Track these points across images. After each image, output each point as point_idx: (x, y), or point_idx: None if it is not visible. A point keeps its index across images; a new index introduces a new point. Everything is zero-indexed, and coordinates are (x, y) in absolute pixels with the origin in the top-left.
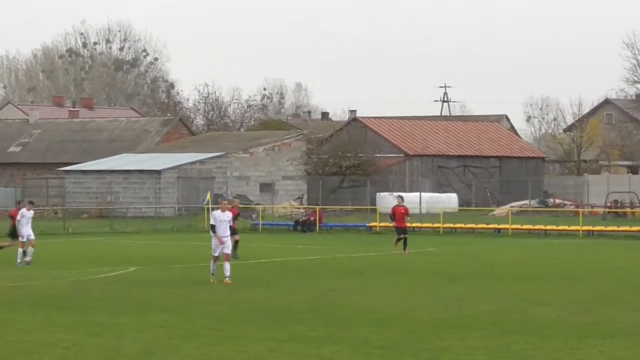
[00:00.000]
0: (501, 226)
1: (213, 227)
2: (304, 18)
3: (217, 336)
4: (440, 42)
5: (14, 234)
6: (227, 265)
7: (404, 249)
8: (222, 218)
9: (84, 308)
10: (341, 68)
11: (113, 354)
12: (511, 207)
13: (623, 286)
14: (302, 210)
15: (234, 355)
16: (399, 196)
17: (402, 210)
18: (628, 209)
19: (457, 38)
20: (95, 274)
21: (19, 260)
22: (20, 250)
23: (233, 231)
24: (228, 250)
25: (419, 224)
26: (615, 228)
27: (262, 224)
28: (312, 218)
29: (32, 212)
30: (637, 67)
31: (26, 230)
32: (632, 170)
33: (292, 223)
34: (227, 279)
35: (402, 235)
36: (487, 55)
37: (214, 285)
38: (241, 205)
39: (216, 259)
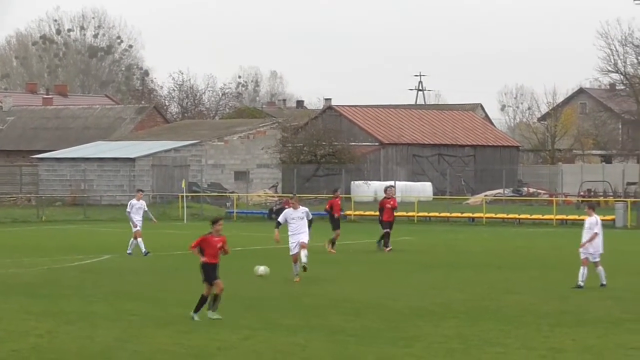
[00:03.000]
0: (475, 215)
1: (279, 224)
2: (279, 7)
3: (191, 324)
4: (416, 32)
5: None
6: (303, 253)
7: (387, 246)
8: (293, 216)
9: (58, 296)
10: (316, 56)
11: (87, 342)
12: (485, 196)
13: (595, 275)
14: (277, 199)
15: (208, 343)
16: (390, 187)
17: (392, 203)
18: (601, 198)
19: (433, 27)
20: (69, 261)
21: (129, 251)
22: (133, 240)
23: (336, 224)
24: (305, 238)
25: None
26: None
27: (237, 213)
28: (286, 206)
29: (142, 202)
30: (611, 57)
31: (137, 219)
32: (606, 159)
33: (267, 211)
34: (300, 269)
35: (387, 230)
36: (462, 45)
37: (187, 273)
38: (216, 193)
39: (295, 258)
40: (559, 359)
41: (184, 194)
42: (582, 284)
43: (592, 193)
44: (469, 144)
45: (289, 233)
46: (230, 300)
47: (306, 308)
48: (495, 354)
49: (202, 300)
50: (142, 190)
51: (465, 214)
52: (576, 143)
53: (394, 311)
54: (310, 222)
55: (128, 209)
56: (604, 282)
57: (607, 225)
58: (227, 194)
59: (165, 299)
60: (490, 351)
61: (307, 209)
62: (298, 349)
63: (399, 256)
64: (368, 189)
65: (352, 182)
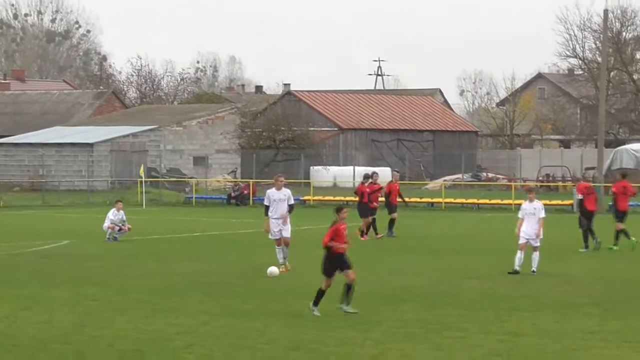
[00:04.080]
0: (434, 200)
1: (267, 208)
2: None
3: (150, 309)
4: (375, 16)
5: None
6: (285, 251)
7: (377, 233)
8: (276, 197)
9: (16, 281)
10: (275, 42)
11: (45, 327)
12: (444, 181)
13: (553, 260)
14: (235, 184)
15: (167, 328)
16: (397, 171)
17: (397, 187)
18: (560, 183)
19: (392, 12)
20: (27, 247)
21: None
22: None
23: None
24: (287, 233)
25: (353, 198)
26: (547, 202)
27: (196, 198)
28: (245, 192)
29: (122, 213)
30: (570, 42)
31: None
32: (564, 144)
33: (226, 196)
34: (281, 266)
35: (373, 217)
36: (421, 29)
37: (146, 259)
38: (174, 179)
39: (279, 242)
40: (518, 343)
41: (142, 179)
42: (519, 268)
43: (551, 178)
44: (428, 129)
45: (270, 214)
46: (189, 286)
47: (266, 293)
48: (454, 338)
49: (320, 294)
50: (121, 201)
51: (424, 199)
52: (535, 128)
53: (356, 295)
54: (291, 207)
55: (107, 224)
56: (536, 269)
57: (565, 210)
58: (186, 179)
59: (125, 284)
60: (449, 335)
61: (289, 192)
62: (257, 334)
63: (358, 241)
64: (327, 174)
65: (311, 167)
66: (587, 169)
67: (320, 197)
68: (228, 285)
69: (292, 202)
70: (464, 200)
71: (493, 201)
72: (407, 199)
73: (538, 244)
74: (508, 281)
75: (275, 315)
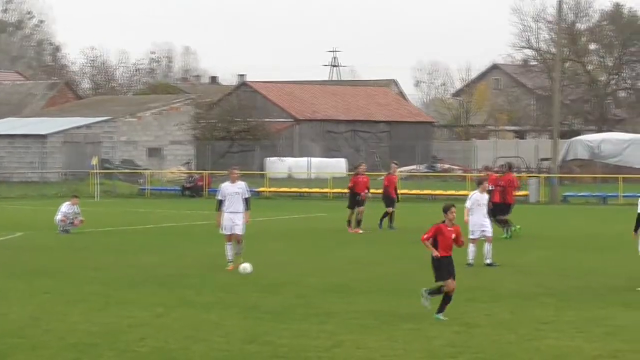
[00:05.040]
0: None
1: (220, 202)
2: None
3: (104, 302)
4: (330, 6)
5: None
6: (236, 248)
7: (391, 223)
8: (230, 190)
9: None
10: (230, 32)
11: (1, 319)
12: (400, 172)
13: (509, 250)
14: (190, 175)
15: (120, 320)
16: (396, 163)
17: (396, 180)
18: (515, 174)
19: (347, 2)
20: None
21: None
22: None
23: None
24: (239, 230)
25: (308, 189)
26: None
27: (150, 189)
28: (200, 183)
29: (76, 207)
30: (524, 33)
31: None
32: (519, 135)
33: (180, 188)
34: (230, 264)
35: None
36: (376, 20)
37: (100, 251)
38: (128, 170)
39: (229, 238)
40: (474, 334)
41: (96, 171)
42: (473, 261)
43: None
44: (384, 119)
45: (223, 209)
46: (144, 278)
47: (221, 285)
48: (409, 330)
49: (447, 299)
50: (77, 196)
51: (379, 190)
52: (490, 119)
53: (309, 288)
54: (247, 201)
55: (60, 216)
56: (491, 261)
57: (520, 201)
58: (140, 171)
59: (78, 276)
60: (404, 327)
61: (245, 184)
62: (212, 326)
63: (313, 233)
64: (282, 166)
65: (266, 158)
66: (542, 159)
67: (275, 189)
68: (183, 277)
69: (247, 195)
70: (419, 192)
71: (448, 192)
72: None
73: (491, 234)
74: (464, 272)
75: (230, 307)
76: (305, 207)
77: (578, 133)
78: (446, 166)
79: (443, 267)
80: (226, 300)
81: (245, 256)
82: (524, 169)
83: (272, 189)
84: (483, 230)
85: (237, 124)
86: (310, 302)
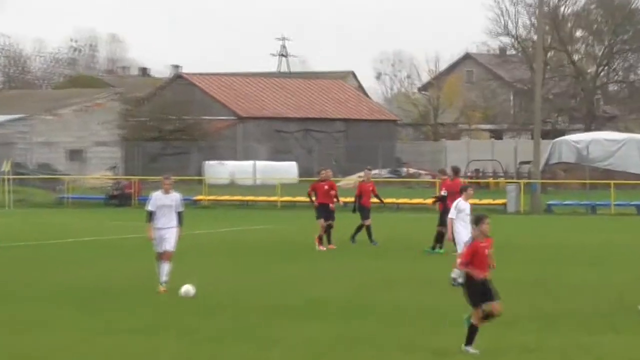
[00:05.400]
0: (348, 199)
1: (151, 214)
2: None
3: (20, 325)
4: None
5: None
6: (166, 268)
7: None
8: (164, 202)
9: None
10: (163, 17)
11: None
12: (359, 177)
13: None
14: (117, 182)
15: (40, 346)
16: (369, 168)
17: (370, 188)
18: (491, 179)
19: None
20: None
21: None
22: None
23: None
24: (170, 246)
25: (253, 197)
26: (477, 201)
27: (71, 198)
28: (128, 190)
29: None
30: (501, 18)
31: None
32: (496, 135)
33: (105, 196)
34: (162, 285)
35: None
36: (331, 5)
37: (17, 268)
38: (45, 176)
39: (160, 256)
40: None
41: (8, 177)
42: (461, 280)
43: (481, 174)
44: (340, 117)
45: (153, 223)
46: (65, 299)
47: (154, 307)
48: (368, 357)
49: (473, 330)
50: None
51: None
52: (462, 116)
53: (253, 309)
54: (180, 215)
55: None
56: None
57: (497, 210)
58: (59, 177)
59: None
60: (362, 355)
61: (179, 197)
62: (143, 353)
63: (258, 247)
64: (223, 170)
65: (205, 162)
66: (522, 163)
67: (215, 197)
68: (110, 297)
69: (181, 209)
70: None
71: (415, 200)
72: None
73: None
74: (434, 290)
75: (164, 331)
76: (249, 217)
77: (563, 133)
78: (412, 170)
79: (485, 290)
80: (159, 323)
81: (180, 274)
82: (501, 174)
83: (211, 197)
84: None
85: (171, 122)
86: (254, 325)
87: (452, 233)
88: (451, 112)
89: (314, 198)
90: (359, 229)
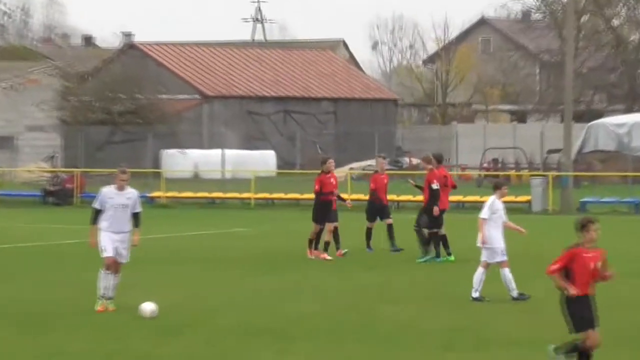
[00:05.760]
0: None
1: (97, 213)
2: None
3: None
4: None
5: None
6: (113, 281)
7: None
8: (117, 201)
9: None
10: None
11: None
12: (351, 169)
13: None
14: (55, 175)
15: None
16: (382, 156)
17: (385, 180)
18: (512, 172)
19: None
20: None
21: None
22: None
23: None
24: (123, 256)
25: (221, 194)
26: None
27: None
28: (68, 185)
29: None
30: None
31: None
32: (518, 117)
33: (41, 193)
34: (108, 302)
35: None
36: None
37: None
38: None
39: (109, 265)
40: None
41: None
42: (478, 295)
43: (500, 165)
44: (328, 96)
45: (102, 225)
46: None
47: (102, 327)
48: None
49: (575, 347)
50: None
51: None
52: (476, 95)
53: (224, 330)
54: (137, 216)
55: None
56: (515, 294)
57: (520, 210)
58: None
59: None
60: None
61: (137, 194)
62: None
63: (228, 254)
64: (185, 161)
65: (163, 150)
66: (550, 151)
67: (175, 193)
68: (49, 317)
69: (138, 209)
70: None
71: (419, 197)
72: (299, 195)
73: (504, 258)
74: (439, 308)
75: (113, 356)
76: (217, 219)
77: (600, 115)
78: (416, 161)
79: (583, 312)
80: (109, 347)
81: (134, 285)
82: (524, 165)
83: (170, 194)
84: (503, 252)
85: (121, 102)
86: (225, 349)
87: (483, 237)
88: (463, 89)
89: (346, 195)
90: (368, 233)
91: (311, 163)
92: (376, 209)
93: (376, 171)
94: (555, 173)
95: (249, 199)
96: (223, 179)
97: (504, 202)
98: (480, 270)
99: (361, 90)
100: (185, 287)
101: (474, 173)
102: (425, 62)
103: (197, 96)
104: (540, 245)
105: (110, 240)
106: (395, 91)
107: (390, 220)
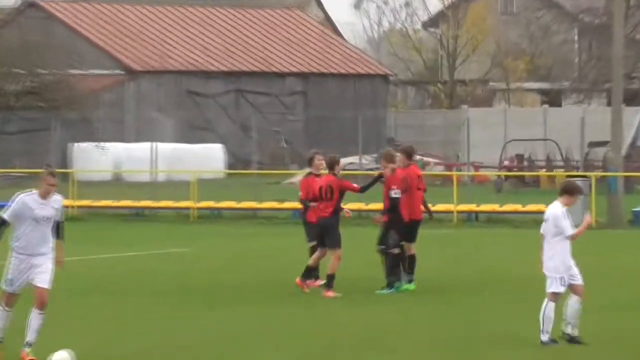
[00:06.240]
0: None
1: (3, 225)
2: None
3: None
4: None
5: None
6: (36, 320)
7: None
8: (39, 213)
9: None
10: None
11: None
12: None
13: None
14: None
15: None
16: (396, 143)
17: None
18: (542, 171)
19: None
20: None
21: None
22: None
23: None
24: (45, 282)
25: (152, 203)
26: (519, 207)
27: None
28: None
29: None
30: None
31: None
32: (550, 99)
33: None
34: (26, 348)
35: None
36: None
37: None
38: None
39: (9, 298)
40: None
41: None
42: (548, 337)
43: (526, 162)
44: (295, 71)
45: (15, 244)
46: None
47: None
48: None
49: None
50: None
51: (285, 204)
52: (495, 69)
53: None
54: (60, 229)
55: None
56: (572, 332)
57: None
58: None
59: None
60: None
61: (61, 201)
62: None
63: (159, 282)
64: (103, 158)
65: (73, 144)
66: (593, 144)
67: (90, 202)
68: None
69: (62, 218)
70: (362, 206)
71: None
72: (256, 203)
73: (582, 282)
74: (445, 351)
75: None
76: (146, 235)
77: None
78: (415, 157)
79: None
80: None
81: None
82: (558, 162)
83: (83, 202)
84: (571, 275)
85: (18, 79)
86: None
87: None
88: (477, 62)
89: (313, 204)
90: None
91: (273, 160)
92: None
93: (393, 170)
94: (600, 173)
95: (189, 208)
96: (154, 183)
97: (520, 211)
98: (550, 304)
99: (340, 63)
100: (99, 329)
101: (491, 173)
102: (426, 25)
103: (119, 71)
104: (587, 264)
105: (19, 270)
106: (385, 64)
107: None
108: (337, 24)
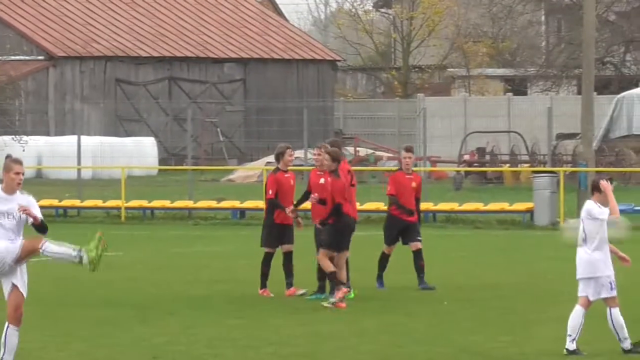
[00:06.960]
0: (246, 205)
1: None
2: None
3: None
4: None
5: None
6: (12, 336)
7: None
8: (2, 206)
9: None
10: None
11: None
12: (267, 164)
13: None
14: None
15: None
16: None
17: (415, 182)
18: (506, 167)
19: None
20: None
21: None
22: None
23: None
24: (23, 286)
25: (76, 202)
26: (480, 207)
27: None
28: None
29: None
30: None
31: None
32: (515, 86)
33: None
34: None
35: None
36: None
37: None
38: None
39: None
40: None
41: None
42: (574, 345)
43: (488, 156)
44: (233, 56)
45: None
46: None
47: None
48: None
49: None
50: None
51: (223, 204)
52: (454, 54)
53: None
54: (43, 229)
55: None
56: (627, 346)
57: (517, 223)
58: None
59: None
60: None
61: (32, 200)
62: None
63: (81, 293)
64: (22, 153)
65: None
66: (561, 136)
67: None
68: None
69: (39, 214)
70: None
71: (366, 206)
72: (191, 203)
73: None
74: None
75: None
76: (70, 238)
77: (636, 83)
78: (366, 152)
79: None
80: None
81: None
82: (523, 156)
83: None
84: (610, 280)
85: None
86: None
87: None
88: (435, 45)
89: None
90: (383, 261)
91: (210, 154)
92: (398, 226)
93: (399, 169)
94: (569, 169)
95: (118, 208)
96: (78, 180)
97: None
98: (579, 310)
99: (283, 47)
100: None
101: (450, 169)
102: (377, 5)
103: (39, 57)
104: (547, 279)
105: None
106: (333, 48)
107: (419, 245)
108: (279, 4)
